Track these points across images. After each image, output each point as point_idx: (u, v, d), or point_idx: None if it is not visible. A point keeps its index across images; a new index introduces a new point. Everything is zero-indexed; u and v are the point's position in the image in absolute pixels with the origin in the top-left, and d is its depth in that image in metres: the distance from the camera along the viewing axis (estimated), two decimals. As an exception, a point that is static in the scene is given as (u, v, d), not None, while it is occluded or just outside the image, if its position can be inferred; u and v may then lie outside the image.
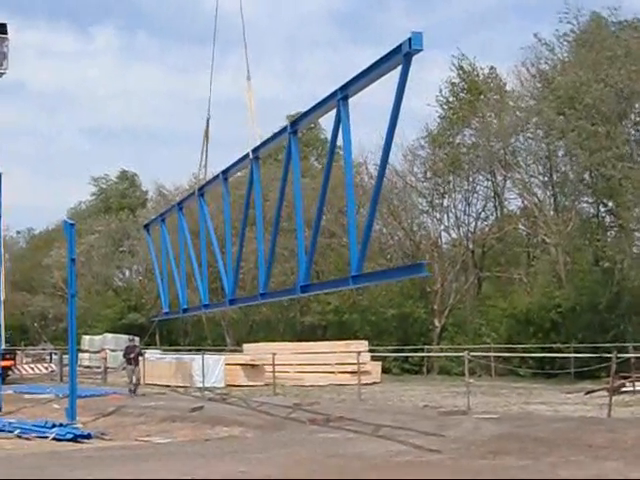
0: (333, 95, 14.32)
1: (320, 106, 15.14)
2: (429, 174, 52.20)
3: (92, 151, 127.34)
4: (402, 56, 12.12)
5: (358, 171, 57.20)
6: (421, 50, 11.82)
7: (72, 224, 27.38)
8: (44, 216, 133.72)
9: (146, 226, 35.33)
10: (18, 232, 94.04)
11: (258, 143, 19.47)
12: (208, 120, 23.92)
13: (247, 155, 19.52)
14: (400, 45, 12.15)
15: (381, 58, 12.87)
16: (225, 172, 21.73)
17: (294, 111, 70.52)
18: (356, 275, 13.85)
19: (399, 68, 12.45)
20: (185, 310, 28.44)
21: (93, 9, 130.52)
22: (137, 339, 39.05)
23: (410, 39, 11.79)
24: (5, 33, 46.62)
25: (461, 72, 52.89)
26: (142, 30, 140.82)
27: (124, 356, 37.64)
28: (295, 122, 16.26)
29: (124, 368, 46.80)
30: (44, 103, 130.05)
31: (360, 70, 13.72)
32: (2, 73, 46.77)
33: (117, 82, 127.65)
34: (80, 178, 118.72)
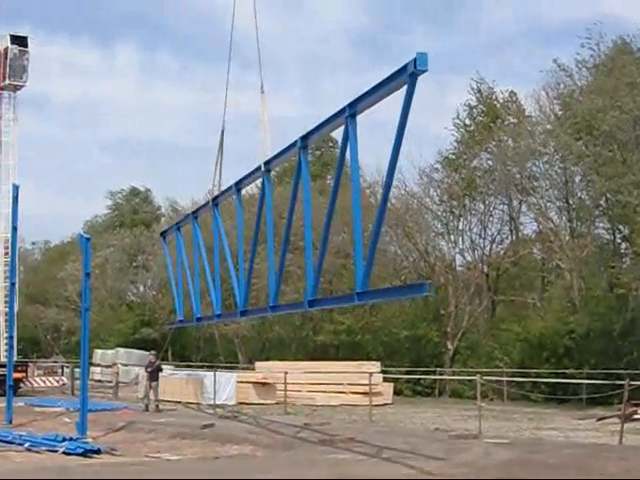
0: (341, 112, 14.40)
1: (329, 122, 15.22)
2: (445, 197, 52.13)
3: (110, 165, 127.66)
4: (407, 76, 12.19)
5: (374, 191, 57.30)
6: (426, 70, 11.88)
7: (88, 238, 27.43)
8: (60, 228, 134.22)
9: (162, 234, 35.43)
10: (33, 243, 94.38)
11: (270, 156, 19.52)
12: (223, 132, 23.98)
13: (259, 167, 19.55)
14: (406, 65, 12.24)
15: (387, 77, 12.97)
16: (238, 184, 21.78)
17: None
18: (361, 292, 13.92)
19: (405, 88, 12.53)
20: (199, 319, 28.52)
21: (116, 25, 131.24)
22: (153, 353, 39.00)
23: (415, 59, 11.86)
24: (25, 46, 46.92)
25: (479, 95, 52.92)
26: (164, 47, 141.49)
27: (145, 370, 37.70)
28: (305, 137, 16.29)
29: (136, 383, 46.93)
30: (64, 116, 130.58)
31: (368, 88, 13.81)
32: (22, 86, 47.05)
33: (138, 98, 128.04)
34: (97, 192, 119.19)
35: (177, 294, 30.56)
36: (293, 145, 16.96)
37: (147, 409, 35.06)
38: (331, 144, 70.71)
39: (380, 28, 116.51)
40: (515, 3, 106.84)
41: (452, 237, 52.54)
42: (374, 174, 56.39)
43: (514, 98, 52.60)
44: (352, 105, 14.02)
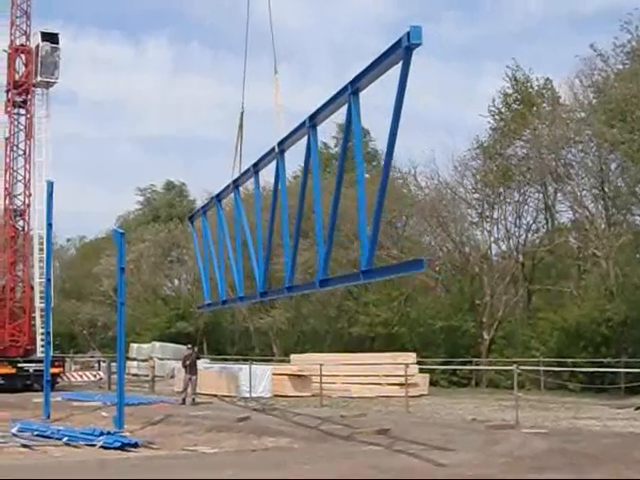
0: (344, 90, 14.38)
1: (333, 101, 15.17)
2: (479, 186, 51.85)
3: (143, 160, 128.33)
4: (403, 50, 12.10)
5: (406, 182, 57.19)
6: (420, 44, 11.82)
7: (122, 233, 27.53)
8: (95, 224, 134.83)
9: (190, 218, 35.57)
10: (68, 240, 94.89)
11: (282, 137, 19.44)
12: (242, 114, 23.95)
13: (274, 149, 19.51)
14: (400, 39, 12.18)
15: (384, 52, 12.94)
16: (255, 165, 21.76)
17: (341, 120, 70.73)
18: (366, 270, 13.96)
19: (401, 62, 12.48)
20: (224, 302, 28.57)
21: (146, 20, 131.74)
22: (189, 347, 39.10)
23: (409, 33, 11.80)
24: (57, 43, 47.13)
25: (514, 83, 52.45)
26: (195, 40, 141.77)
27: (183, 364, 37.82)
28: (312, 116, 16.23)
29: (172, 377, 47.10)
30: (96, 112, 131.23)
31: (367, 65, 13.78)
32: (54, 82, 47.27)
33: (169, 92, 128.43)
34: (130, 187, 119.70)
35: (204, 277, 30.65)
36: (303, 125, 16.89)
37: (184, 402, 35.15)
38: (362, 134, 70.50)
39: (410, 16, 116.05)
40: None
41: (487, 226, 52.28)
42: (405, 165, 56.40)
43: (549, 85, 52.15)
44: (353, 82, 14.01)
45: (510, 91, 52.56)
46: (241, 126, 23.81)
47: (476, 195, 52.40)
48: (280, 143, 18.60)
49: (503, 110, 52.68)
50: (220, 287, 27.82)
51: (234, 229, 25.41)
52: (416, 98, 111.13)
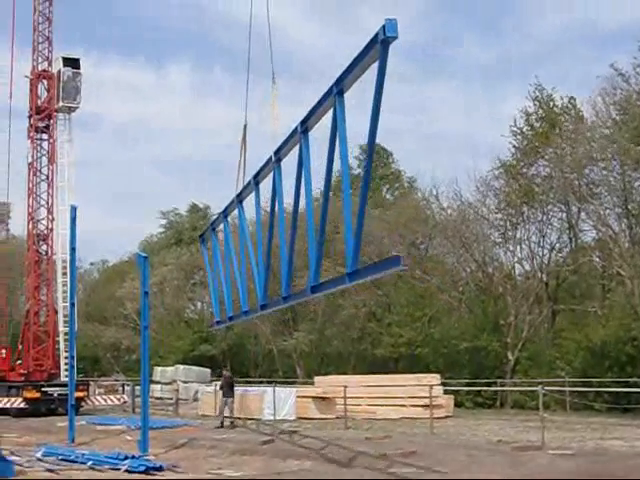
0: (330, 92, 14.27)
1: (321, 104, 15.04)
2: (502, 205, 51.71)
3: (166, 183, 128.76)
4: (379, 44, 12.01)
5: (429, 203, 57.14)
6: (396, 37, 11.68)
7: (145, 257, 27.55)
8: (118, 247, 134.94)
9: (201, 236, 35.56)
10: (92, 264, 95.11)
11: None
12: (245, 127, 23.89)
13: (271, 158, 19.42)
14: (377, 33, 12.08)
15: (362, 49, 12.82)
16: (255, 177, 21.68)
17: (364, 141, 70.87)
18: (351, 272, 13.80)
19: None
20: (231, 318, 28.50)
21: (168, 44, 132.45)
22: (227, 369, 39.09)
23: (384, 26, 11.69)
24: (78, 68, 47.41)
25: (537, 102, 52.29)
26: (216, 65, 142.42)
27: (220, 387, 37.86)
28: (304, 121, 16.13)
29: (196, 400, 47.04)
30: (120, 136, 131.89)
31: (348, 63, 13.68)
32: (76, 107, 47.53)
33: (191, 115, 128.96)
34: (153, 210, 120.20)
35: (213, 295, 30.59)
36: (295, 132, 16.81)
37: (222, 426, 34.99)
38: (385, 156, 70.68)
39: (431, 39, 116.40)
40: (569, 8, 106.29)
41: (510, 246, 52.12)
42: (429, 187, 56.43)
43: (573, 103, 51.92)
44: (338, 83, 13.89)
45: (532, 110, 52.44)
46: (244, 139, 23.74)
47: (499, 215, 52.28)
48: (276, 152, 18.49)
49: (525, 129, 52.57)
50: (227, 303, 27.73)
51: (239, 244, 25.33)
52: (439, 120, 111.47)
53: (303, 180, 16.13)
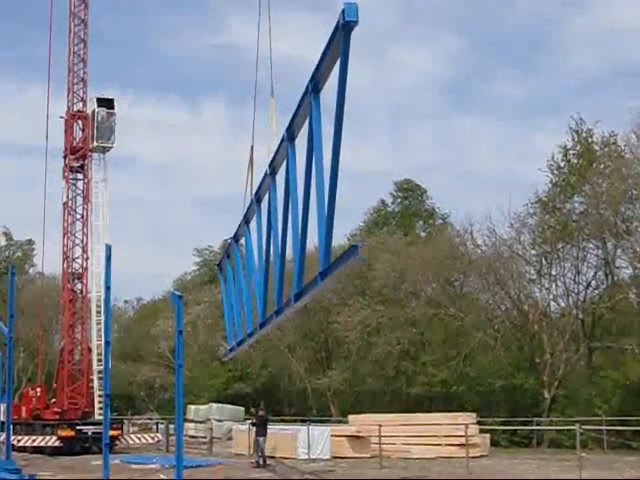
0: (306, 91, 13.92)
1: (300, 106, 14.68)
2: (537, 242, 51.37)
3: (201, 221, 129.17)
4: (340, 31, 11.73)
5: (463, 240, 56.87)
6: (356, 21, 11.31)
7: (180, 296, 27.45)
8: (152, 285, 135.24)
9: (219, 265, 35.49)
10: (126, 301, 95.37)
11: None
12: (252, 148, 23.85)
13: (266, 173, 19.20)
14: (337, 20, 11.80)
15: (328, 40, 12.50)
16: (257, 194, 21.51)
17: (402, 177, 70.80)
18: (322, 272, 13.42)
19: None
20: (239, 342, 28.35)
21: (202, 83, 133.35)
22: (261, 407, 38.88)
23: (343, 10, 11.41)
24: (112, 108, 47.81)
25: (576, 137, 51.76)
26: (250, 102, 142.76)
27: (252, 424, 37.72)
28: (288, 128, 15.79)
29: (230, 438, 46.86)
30: (154, 174, 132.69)
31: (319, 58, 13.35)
32: (110, 147, 47.90)
33: (225, 152, 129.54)
34: (188, 248, 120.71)
35: (228, 322, 30.45)
36: (282, 140, 16.56)
37: (258, 465, 34.79)
38: (419, 193, 70.60)
39: (463, 75, 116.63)
40: (602, 44, 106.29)
41: (545, 283, 51.69)
42: (463, 223, 56.24)
43: (613, 139, 51.25)
44: (312, 79, 13.52)
45: (570, 145, 51.94)
46: (251, 160, 23.70)
47: (534, 252, 51.93)
48: (270, 164, 18.30)
49: (562, 165, 52.13)
50: (237, 327, 27.56)
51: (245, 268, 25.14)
52: (472, 155, 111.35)
53: (290, 190, 15.72)
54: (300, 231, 14.10)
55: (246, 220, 22.44)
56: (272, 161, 17.20)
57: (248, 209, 21.85)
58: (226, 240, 22.99)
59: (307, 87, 13.01)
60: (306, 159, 13.44)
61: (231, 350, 30.66)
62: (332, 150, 11.48)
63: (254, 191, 21.67)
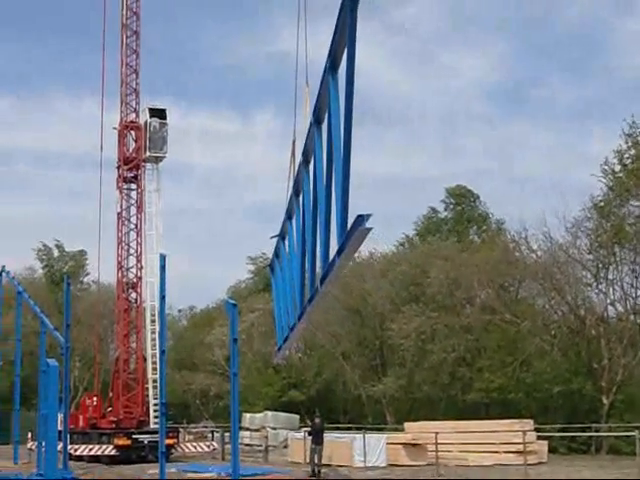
0: (325, 71, 13.38)
1: (322, 84, 14.14)
2: (593, 246, 50.80)
3: (254, 229, 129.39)
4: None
5: (517, 245, 56.41)
6: None
7: (234, 304, 27.52)
8: (206, 293, 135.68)
9: (270, 265, 35.34)
10: (179, 311, 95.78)
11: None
12: (294, 142, 23.65)
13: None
14: None
15: (338, 13, 11.95)
16: (294, 186, 21.19)
17: (453, 183, 70.50)
18: (339, 248, 12.83)
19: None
20: (285, 339, 28.14)
21: (254, 92, 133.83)
22: (317, 415, 38.78)
23: None
24: (164, 118, 48.07)
25: (630, 141, 51.06)
26: (301, 111, 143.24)
27: (309, 433, 37.64)
28: (314, 110, 15.15)
29: (285, 447, 46.81)
30: (207, 183, 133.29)
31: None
32: (163, 157, 48.13)
33: (277, 160, 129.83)
34: (242, 256, 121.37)
35: (277, 323, 30.31)
36: (310, 125, 15.93)
37: (314, 474, 34.62)
38: (472, 199, 70.21)
39: (515, 81, 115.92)
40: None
41: (602, 288, 51.07)
42: (518, 229, 55.78)
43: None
44: (329, 56, 12.92)
45: (625, 148, 51.28)
46: (293, 154, 23.52)
47: (590, 256, 51.34)
48: (303, 153, 17.87)
49: (617, 169, 51.48)
50: (285, 328, 27.37)
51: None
52: (525, 160, 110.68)
53: (317, 176, 15.33)
54: (324, 214, 13.77)
55: (288, 215, 22.17)
56: (304, 148, 16.85)
57: (289, 203, 21.60)
58: (272, 237, 22.69)
59: (325, 65, 12.64)
60: (327, 140, 13.15)
61: (279, 349, 30.59)
62: (344, 127, 11.18)
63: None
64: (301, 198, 16.66)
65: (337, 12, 10.78)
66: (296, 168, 19.91)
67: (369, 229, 9.90)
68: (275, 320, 30.85)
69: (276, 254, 28.07)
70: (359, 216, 10.45)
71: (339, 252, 12.28)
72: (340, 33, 11.28)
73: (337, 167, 11.86)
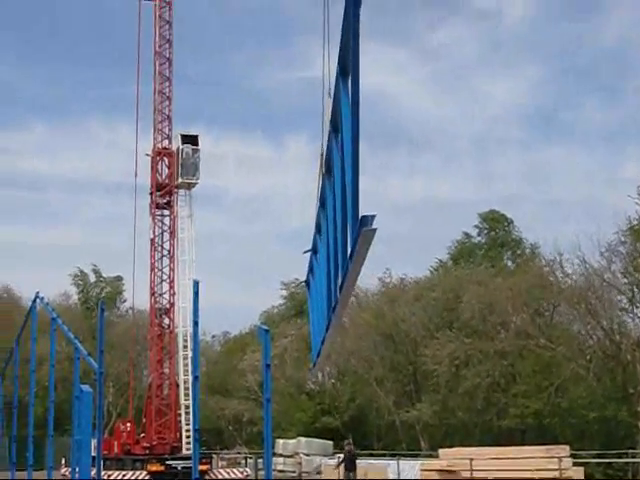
0: (336, 75, 13.10)
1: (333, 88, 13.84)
2: (629, 270, 50.40)
3: (287, 255, 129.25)
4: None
5: (552, 269, 56.09)
6: None
7: (267, 330, 27.35)
8: (239, 319, 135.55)
9: (306, 281, 35.17)
10: (213, 336, 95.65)
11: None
12: (322, 155, 23.57)
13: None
14: None
15: (344, 15, 11.66)
16: (321, 198, 21.06)
17: (486, 208, 70.28)
18: (350, 253, 12.56)
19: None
20: (318, 354, 27.97)
21: (286, 117, 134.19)
22: (348, 442, 38.58)
23: None
24: (196, 144, 48.20)
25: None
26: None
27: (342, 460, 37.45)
28: (332, 118, 14.93)
29: (319, 472, 46.52)
30: (240, 210, 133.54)
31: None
32: (195, 183, 48.23)
33: (310, 187, 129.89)
34: (274, 281, 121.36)
35: (313, 338, 30.14)
36: (329, 133, 15.69)
37: None
38: (506, 224, 69.94)
39: (550, 105, 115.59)
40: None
41: (638, 312, 50.63)
42: (552, 252, 55.50)
43: None
44: (339, 62, 12.59)
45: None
46: (321, 168, 23.43)
47: (625, 280, 50.95)
48: (326, 161, 17.70)
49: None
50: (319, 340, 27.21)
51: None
52: (559, 184, 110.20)
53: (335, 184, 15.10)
54: (341, 222, 13.54)
55: (318, 229, 22.01)
56: (325, 157, 16.71)
57: (317, 217, 21.46)
58: (305, 252, 22.54)
59: (336, 70, 12.43)
60: (340, 144, 12.94)
61: (314, 365, 30.46)
62: (351, 127, 10.97)
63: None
64: (325, 209, 16.58)
65: (347, 20, 10.56)
66: (322, 181, 19.81)
67: (374, 230, 9.70)
68: (311, 336, 30.78)
69: (310, 269, 27.95)
70: (363, 217, 10.25)
71: (350, 257, 12.10)
72: (346, 35, 11.11)
73: (347, 172, 11.69)
